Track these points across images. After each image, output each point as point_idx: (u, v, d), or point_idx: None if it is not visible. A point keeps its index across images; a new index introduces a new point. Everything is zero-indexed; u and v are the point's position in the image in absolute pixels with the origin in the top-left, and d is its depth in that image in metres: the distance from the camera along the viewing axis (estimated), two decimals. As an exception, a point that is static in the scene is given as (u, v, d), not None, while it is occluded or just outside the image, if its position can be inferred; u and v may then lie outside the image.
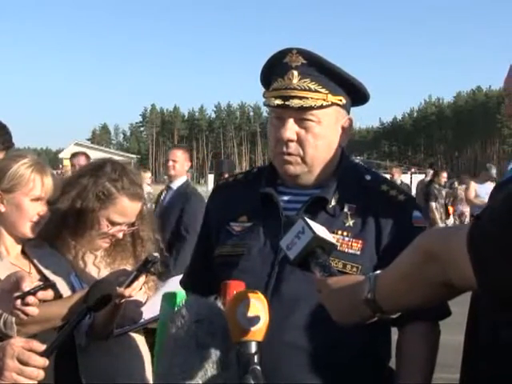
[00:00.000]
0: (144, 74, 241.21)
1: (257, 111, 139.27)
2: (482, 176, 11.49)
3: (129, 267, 2.42)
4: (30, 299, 1.69)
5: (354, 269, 1.82)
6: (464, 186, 15.74)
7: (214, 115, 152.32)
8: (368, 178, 1.97)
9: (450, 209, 13.65)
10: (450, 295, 1.24)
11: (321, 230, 1.47)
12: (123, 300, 2.16)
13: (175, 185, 5.94)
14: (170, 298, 1.90)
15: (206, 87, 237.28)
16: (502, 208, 1.08)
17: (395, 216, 1.89)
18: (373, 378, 1.85)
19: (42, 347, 1.59)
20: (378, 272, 1.32)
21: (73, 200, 2.40)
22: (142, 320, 2.45)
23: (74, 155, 6.97)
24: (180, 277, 2.27)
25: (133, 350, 2.52)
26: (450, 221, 13.45)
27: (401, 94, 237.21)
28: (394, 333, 1.89)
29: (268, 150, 2.16)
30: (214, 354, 1.49)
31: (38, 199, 2.22)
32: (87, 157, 6.76)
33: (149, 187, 8.96)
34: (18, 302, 1.70)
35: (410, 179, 26.62)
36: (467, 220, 12.79)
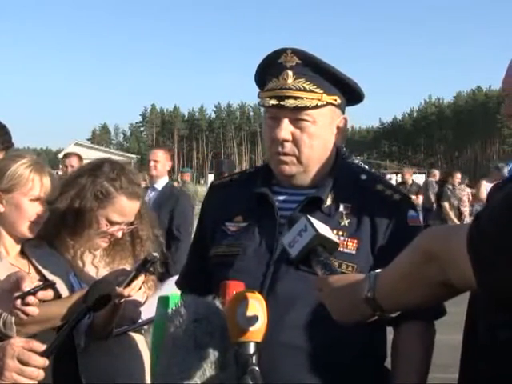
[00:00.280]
0: (144, 74, 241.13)
1: (257, 111, 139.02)
2: (493, 175, 11.35)
3: (128, 267, 2.42)
4: (30, 299, 1.69)
5: (350, 268, 1.82)
6: (463, 186, 15.65)
7: (213, 115, 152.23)
8: (363, 177, 1.98)
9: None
10: (450, 295, 1.24)
11: (323, 228, 1.48)
12: (122, 300, 2.16)
13: (159, 185, 6.04)
14: (163, 301, 1.91)
15: (205, 87, 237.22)
16: (502, 207, 1.08)
17: (390, 215, 1.89)
18: (369, 377, 1.85)
19: (42, 347, 1.60)
20: (378, 271, 1.32)
21: (71, 199, 2.41)
22: (141, 320, 2.46)
23: (66, 156, 6.95)
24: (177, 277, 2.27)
25: (133, 350, 2.52)
26: (466, 222, 13.32)
27: (401, 93, 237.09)
28: (389, 332, 1.90)
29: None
30: (213, 353, 1.49)
31: (37, 199, 2.22)
32: (80, 158, 6.77)
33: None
34: (18, 301, 1.70)
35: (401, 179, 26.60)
36: (466, 220, 12.72)
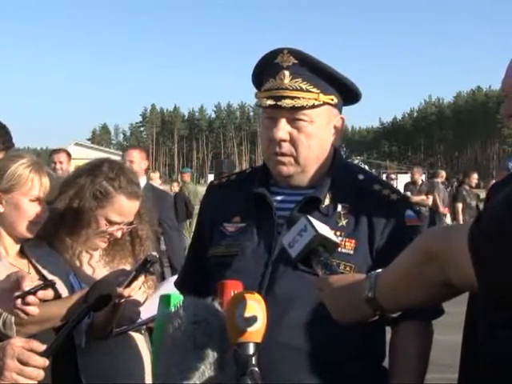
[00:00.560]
0: (144, 74, 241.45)
1: (257, 111, 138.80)
2: (502, 176, 11.24)
3: (128, 266, 2.42)
4: (31, 299, 1.69)
5: (348, 268, 1.82)
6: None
7: (214, 115, 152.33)
8: (361, 177, 1.98)
9: (446, 209, 13.42)
10: (450, 295, 1.24)
11: (323, 228, 1.48)
12: (122, 300, 2.16)
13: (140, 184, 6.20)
14: (165, 299, 1.90)
15: (205, 87, 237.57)
16: (502, 207, 1.08)
17: (387, 215, 1.89)
18: (367, 377, 1.85)
19: (42, 347, 1.60)
20: (379, 271, 1.32)
21: (70, 199, 2.40)
22: (141, 319, 2.46)
23: (54, 151, 6.96)
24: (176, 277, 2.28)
25: (133, 350, 2.52)
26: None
27: (401, 93, 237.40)
28: (388, 332, 1.90)
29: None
30: (211, 354, 1.49)
31: (36, 199, 2.22)
32: (68, 154, 6.82)
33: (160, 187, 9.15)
34: (19, 301, 1.70)
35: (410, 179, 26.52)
36: (461, 222, 12.66)
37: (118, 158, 2.87)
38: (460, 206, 12.30)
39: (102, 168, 2.45)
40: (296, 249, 1.47)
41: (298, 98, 1.85)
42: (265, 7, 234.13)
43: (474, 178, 12.77)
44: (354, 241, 1.86)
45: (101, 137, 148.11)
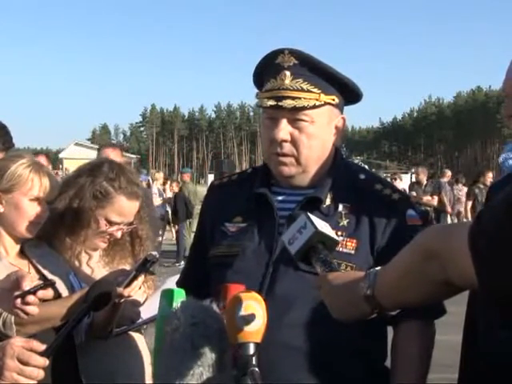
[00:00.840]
0: (144, 74, 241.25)
1: (257, 111, 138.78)
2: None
3: (127, 266, 2.42)
4: (31, 298, 1.70)
5: (349, 268, 1.82)
6: (460, 186, 15.53)
7: (214, 115, 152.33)
8: (362, 177, 1.98)
9: (449, 208, 13.37)
10: (450, 293, 1.24)
11: (323, 226, 1.48)
12: (122, 300, 2.16)
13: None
14: (167, 295, 1.90)
15: (206, 87, 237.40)
16: (502, 207, 1.08)
17: (389, 215, 1.89)
18: (368, 377, 1.85)
19: (41, 347, 1.60)
20: (378, 268, 1.32)
21: (70, 199, 2.40)
22: (141, 319, 2.46)
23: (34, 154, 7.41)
24: (177, 276, 2.28)
25: (133, 350, 2.52)
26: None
27: (401, 93, 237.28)
28: (390, 332, 1.89)
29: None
30: (210, 356, 1.50)
31: (36, 199, 2.22)
32: (47, 156, 7.46)
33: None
34: (18, 300, 1.71)
35: (410, 179, 26.56)
36: (465, 220, 12.66)
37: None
38: (470, 204, 12.21)
39: (102, 168, 2.45)
40: (295, 246, 1.47)
41: (299, 98, 1.85)
42: (265, 7, 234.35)
43: (489, 176, 12.64)
44: (355, 241, 1.86)
45: (101, 137, 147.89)
